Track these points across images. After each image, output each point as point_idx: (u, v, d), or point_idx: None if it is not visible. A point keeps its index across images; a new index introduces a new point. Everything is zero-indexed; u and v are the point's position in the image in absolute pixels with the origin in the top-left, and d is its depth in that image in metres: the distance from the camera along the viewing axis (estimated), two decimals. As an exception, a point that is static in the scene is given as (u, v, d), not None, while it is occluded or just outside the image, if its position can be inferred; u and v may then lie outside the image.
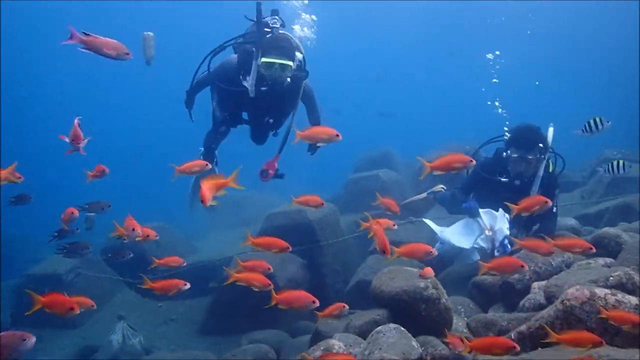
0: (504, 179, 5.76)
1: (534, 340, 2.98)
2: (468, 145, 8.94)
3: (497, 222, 5.51)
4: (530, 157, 5.61)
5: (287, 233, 7.26)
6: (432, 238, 6.14)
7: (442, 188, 7.15)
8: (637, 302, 2.74)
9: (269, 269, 4.28)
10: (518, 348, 2.71)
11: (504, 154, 5.82)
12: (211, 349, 6.09)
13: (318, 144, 4.64)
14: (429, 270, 3.87)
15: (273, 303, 3.85)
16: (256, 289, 3.91)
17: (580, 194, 9.13)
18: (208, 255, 7.96)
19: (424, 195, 7.61)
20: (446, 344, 3.81)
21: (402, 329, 3.69)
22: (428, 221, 6.27)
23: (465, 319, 4.52)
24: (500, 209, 5.50)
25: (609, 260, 4.37)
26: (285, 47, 5.14)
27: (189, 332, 6.94)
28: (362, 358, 3.54)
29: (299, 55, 5.27)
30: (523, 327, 3.12)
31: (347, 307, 3.97)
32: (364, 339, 3.82)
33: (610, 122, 5.39)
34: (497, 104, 7.98)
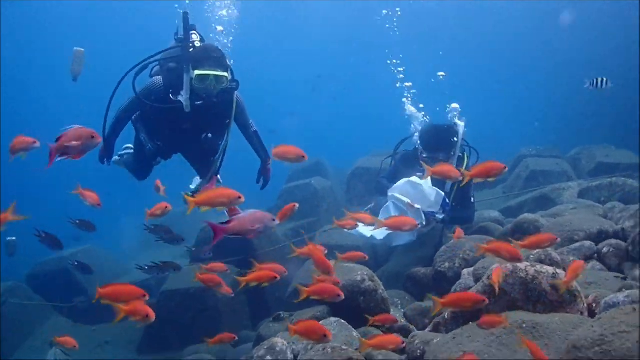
0: (419, 174, 6.05)
1: (466, 316, 3.16)
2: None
3: (421, 190, 5.66)
4: (440, 157, 5.92)
5: (224, 243, 7.24)
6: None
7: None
8: (554, 271, 2.98)
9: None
10: (487, 301, 2.83)
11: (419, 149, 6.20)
12: (150, 366, 5.93)
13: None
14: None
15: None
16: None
17: (502, 189, 9.65)
18: (141, 276, 7.75)
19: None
20: (384, 332, 3.97)
21: (343, 321, 3.81)
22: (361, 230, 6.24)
23: (402, 310, 4.69)
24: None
25: (529, 242, 4.68)
26: (218, 58, 4.86)
27: (126, 354, 6.71)
28: (305, 353, 3.61)
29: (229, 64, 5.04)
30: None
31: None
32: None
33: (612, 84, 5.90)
34: (421, 106, 8.33)
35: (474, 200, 6.23)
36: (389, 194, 5.73)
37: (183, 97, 4.81)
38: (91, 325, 7.52)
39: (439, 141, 6.02)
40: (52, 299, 7.67)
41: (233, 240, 7.27)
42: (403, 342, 2.89)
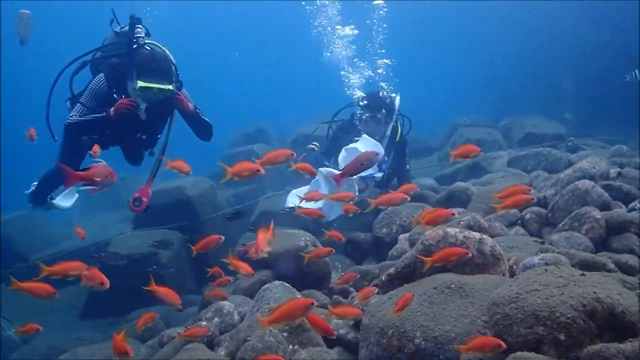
0: (357, 139, 6.35)
1: (401, 278, 3.42)
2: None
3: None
4: (378, 116, 6.41)
5: (167, 210, 7.27)
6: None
7: (315, 146, 7.64)
8: (480, 237, 3.26)
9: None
10: (470, 254, 3.07)
11: (357, 116, 6.63)
12: (95, 331, 5.96)
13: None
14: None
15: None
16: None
17: (438, 157, 10.07)
18: (79, 242, 7.68)
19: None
20: (326, 294, 4.21)
21: (287, 284, 3.99)
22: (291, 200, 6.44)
23: (342, 272, 4.93)
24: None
25: (460, 209, 5.02)
26: (164, 69, 4.74)
27: (69, 319, 6.68)
28: (251, 315, 3.79)
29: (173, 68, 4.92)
30: (391, 270, 3.54)
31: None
32: (252, 298, 4.07)
33: None
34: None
35: (409, 167, 6.61)
36: (319, 169, 5.95)
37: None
38: (30, 291, 7.41)
39: (378, 102, 6.47)
40: (-13, 266, 7.47)
41: (176, 207, 7.34)
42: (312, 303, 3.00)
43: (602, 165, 5.06)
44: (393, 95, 6.70)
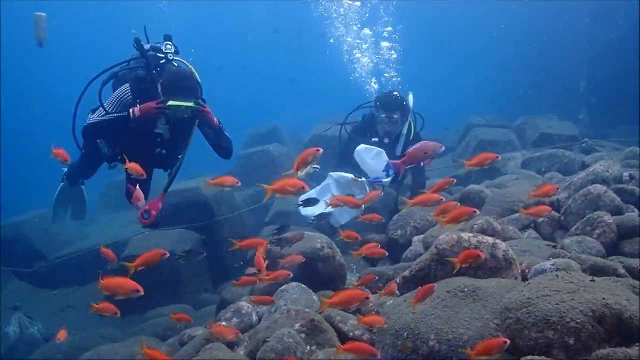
0: (375, 139, 6.49)
1: (416, 281, 3.51)
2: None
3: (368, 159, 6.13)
4: (395, 117, 6.46)
5: (184, 211, 7.42)
6: None
7: (316, 169, 7.79)
8: (493, 241, 3.35)
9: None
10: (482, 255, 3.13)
11: (374, 116, 6.66)
12: (115, 329, 6.12)
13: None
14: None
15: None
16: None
17: (452, 157, 10.11)
18: (99, 240, 7.85)
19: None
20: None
21: (304, 286, 4.11)
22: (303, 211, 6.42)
23: (357, 274, 5.04)
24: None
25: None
26: (191, 88, 4.76)
27: (88, 317, 6.84)
28: (269, 315, 3.91)
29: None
30: (406, 272, 3.64)
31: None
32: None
33: None
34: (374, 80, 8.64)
35: (423, 165, 6.69)
36: (330, 174, 6.07)
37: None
38: (52, 289, 7.61)
39: (395, 103, 6.52)
40: (11, 265, 7.69)
41: (194, 208, 7.46)
42: (368, 297, 3.09)
43: (615, 169, 5.09)
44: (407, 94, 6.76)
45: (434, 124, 9.14)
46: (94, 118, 4.91)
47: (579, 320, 2.26)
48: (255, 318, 4.04)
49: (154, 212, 4.85)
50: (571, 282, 2.52)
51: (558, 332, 2.26)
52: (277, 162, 10.28)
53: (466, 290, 3.02)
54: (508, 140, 9.70)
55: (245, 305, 4.08)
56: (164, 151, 5.12)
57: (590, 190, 4.27)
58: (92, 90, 5.04)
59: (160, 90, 4.75)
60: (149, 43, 5.25)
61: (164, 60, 5.02)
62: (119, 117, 4.76)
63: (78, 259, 7.78)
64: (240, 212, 8.19)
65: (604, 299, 2.35)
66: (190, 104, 4.66)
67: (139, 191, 4.32)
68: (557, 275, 2.62)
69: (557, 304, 2.34)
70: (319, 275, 4.40)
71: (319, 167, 7.68)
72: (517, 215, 4.66)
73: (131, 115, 4.67)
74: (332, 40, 9.87)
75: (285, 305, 3.83)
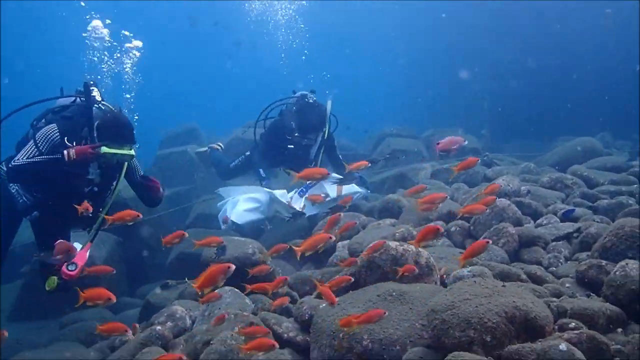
0: (290, 146, 7.06)
1: (347, 286, 3.79)
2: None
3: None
4: (316, 134, 7.06)
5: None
6: None
7: (220, 146, 8.16)
8: (416, 249, 3.72)
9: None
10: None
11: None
12: (28, 334, 5.90)
13: None
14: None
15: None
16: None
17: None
18: (16, 240, 7.47)
19: (204, 149, 8.51)
20: (271, 299, 4.52)
21: (236, 290, 4.27)
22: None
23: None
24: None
25: (393, 220, 5.51)
26: (128, 135, 4.54)
27: (-6, 323, 6.54)
28: (202, 319, 4.04)
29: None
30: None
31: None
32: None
33: None
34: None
35: (341, 157, 7.43)
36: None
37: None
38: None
39: (316, 127, 7.04)
40: None
41: (111, 210, 7.33)
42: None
43: (514, 183, 5.73)
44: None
45: (348, 132, 9.54)
46: (21, 159, 4.46)
47: (494, 321, 2.64)
48: (189, 322, 4.15)
49: (80, 263, 4.46)
50: (486, 287, 2.92)
51: (477, 331, 2.63)
52: (196, 163, 10.27)
53: (394, 294, 3.35)
54: (418, 150, 10.37)
55: (178, 309, 4.17)
56: (95, 188, 4.80)
57: (496, 204, 4.80)
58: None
59: (95, 134, 4.55)
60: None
61: (96, 105, 4.78)
62: (52, 159, 4.40)
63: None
64: (160, 215, 8.12)
65: (514, 301, 2.75)
66: (126, 152, 4.49)
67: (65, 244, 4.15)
68: (474, 281, 3.02)
69: (477, 307, 2.71)
70: (249, 279, 4.56)
71: (221, 145, 8.09)
72: (431, 224, 5.11)
73: (65, 157, 4.31)
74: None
75: (219, 309, 3.97)
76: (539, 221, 4.96)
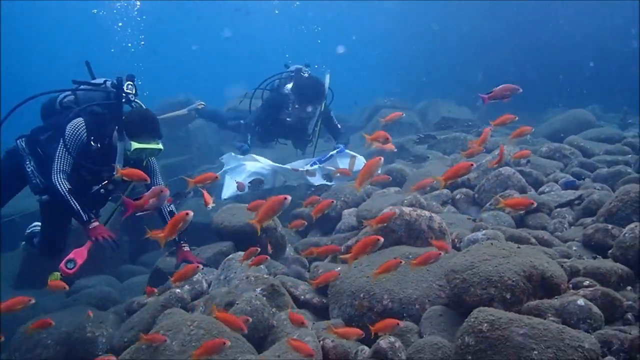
0: (289, 119, 7.11)
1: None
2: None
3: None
4: (314, 108, 7.08)
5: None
6: None
7: (201, 104, 8.27)
8: (430, 214, 3.84)
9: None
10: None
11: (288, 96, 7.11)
12: (37, 300, 5.94)
13: None
14: None
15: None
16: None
17: (360, 137, 10.69)
18: (15, 209, 7.46)
19: (184, 111, 8.57)
20: (284, 264, 4.63)
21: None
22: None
23: (289, 245, 5.37)
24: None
25: (397, 188, 5.63)
26: (155, 129, 4.53)
27: (3, 290, 6.57)
28: (217, 283, 4.13)
29: None
30: (350, 242, 4.05)
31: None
32: (216, 268, 4.40)
33: None
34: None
35: (340, 126, 7.57)
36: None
37: (116, 164, 4.47)
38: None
39: (317, 96, 7.01)
40: None
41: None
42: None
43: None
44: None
45: (344, 98, 9.55)
46: (59, 174, 4.41)
47: (514, 279, 2.78)
48: (205, 285, 4.24)
49: (79, 261, 4.40)
50: (503, 249, 3.05)
51: (498, 289, 2.77)
52: (192, 134, 10.26)
53: (410, 257, 3.48)
54: (412, 122, 10.46)
55: (195, 273, 4.25)
56: (110, 186, 4.81)
57: (501, 172, 4.93)
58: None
59: (124, 133, 4.52)
60: (93, 78, 4.97)
61: (136, 112, 4.71)
62: (81, 216, 4.42)
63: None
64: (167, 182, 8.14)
65: (531, 261, 2.89)
66: (155, 146, 4.50)
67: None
68: (491, 243, 3.15)
69: (496, 266, 2.85)
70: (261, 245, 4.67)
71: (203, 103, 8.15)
72: (437, 192, 5.24)
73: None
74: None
75: (236, 272, 4.07)
76: (541, 189, 5.11)
